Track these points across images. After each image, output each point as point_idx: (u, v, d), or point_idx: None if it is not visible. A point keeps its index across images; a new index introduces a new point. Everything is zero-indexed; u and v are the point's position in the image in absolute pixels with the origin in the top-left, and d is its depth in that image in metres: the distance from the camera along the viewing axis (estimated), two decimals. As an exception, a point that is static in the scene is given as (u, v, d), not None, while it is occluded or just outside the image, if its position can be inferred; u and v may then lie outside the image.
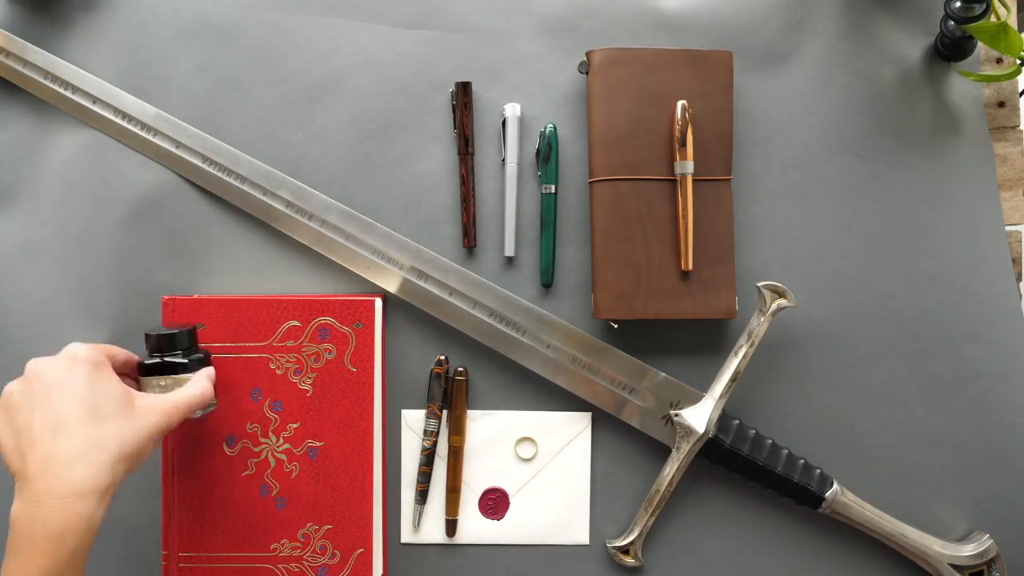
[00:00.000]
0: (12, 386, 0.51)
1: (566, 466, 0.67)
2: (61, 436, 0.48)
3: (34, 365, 0.52)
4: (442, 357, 0.67)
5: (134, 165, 0.68)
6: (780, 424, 0.67)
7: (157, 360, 0.57)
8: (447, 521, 0.67)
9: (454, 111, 0.67)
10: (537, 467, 0.67)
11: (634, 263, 0.64)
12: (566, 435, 0.67)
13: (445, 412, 0.67)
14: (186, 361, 0.57)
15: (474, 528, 0.67)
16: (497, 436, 0.67)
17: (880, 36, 0.69)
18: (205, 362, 0.59)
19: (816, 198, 0.68)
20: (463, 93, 0.67)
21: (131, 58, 0.68)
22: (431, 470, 0.67)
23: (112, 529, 0.66)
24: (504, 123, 0.67)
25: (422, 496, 0.67)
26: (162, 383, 0.57)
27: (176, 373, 0.57)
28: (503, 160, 0.68)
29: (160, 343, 0.57)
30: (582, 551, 0.67)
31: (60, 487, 0.46)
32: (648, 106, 0.64)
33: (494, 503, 0.67)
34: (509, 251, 0.67)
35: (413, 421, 0.67)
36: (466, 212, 0.67)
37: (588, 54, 0.65)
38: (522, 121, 0.68)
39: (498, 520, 0.67)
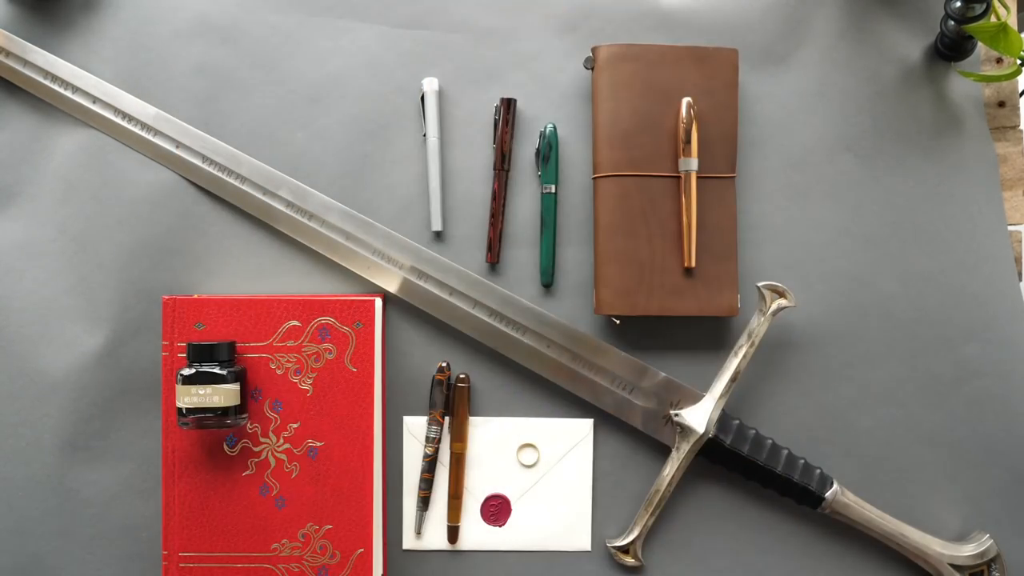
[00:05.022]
0: None
1: (568, 472, 0.67)
2: None
3: None
4: (444, 364, 0.67)
5: (134, 165, 0.68)
6: (780, 424, 0.67)
7: (195, 370, 0.60)
8: (449, 528, 0.67)
9: (495, 126, 0.67)
10: (539, 474, 0.67)
11: (637, 259, 0.64)
12: (568, 442, 0.67)
13: (447, 419, 0.67)
14: (224, 373, 0.60)
15: (476, 535, 0.67)
16: (499, 442, 0.67)
17: (880, 36, 0.69)
18: (241, 375, 0.61)
19: (816, 198, 0.68)
20: (506, 110, 0.67)
21: (131, 58, 0.68)
22: (433, 477, 0.67)
23: (112, 529, 0.66)
24: (423, 98, 0.67)
25: (424, 503, 0.67)
26: (200, 392, 0.59)
27: (215, 383, 0.59)
28: (424, 135, 0.68)
29: (200, 354, 0.60)
30: (584, 557, 0.67)
31: None
32: (653, 102, 0.64)
33: (496, 510, 0.67)
34: (436, 226, 0.67)
35: (415, 427, 0.67)
36: (493, 227, 0.67)
37: (594, 50, 0.65)
38: (522, 121, 0.68)
39: (500, 527, 0.67)
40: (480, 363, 0.67)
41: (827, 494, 0.63)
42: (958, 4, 0.63)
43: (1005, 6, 0.62)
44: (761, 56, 0.68)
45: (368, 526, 0.63)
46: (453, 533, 0.67)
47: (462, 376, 0.66)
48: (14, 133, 0.68)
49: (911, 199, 0.68)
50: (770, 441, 0.64)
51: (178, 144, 0.67)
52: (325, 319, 0.63)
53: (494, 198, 0.67)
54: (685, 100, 0.64)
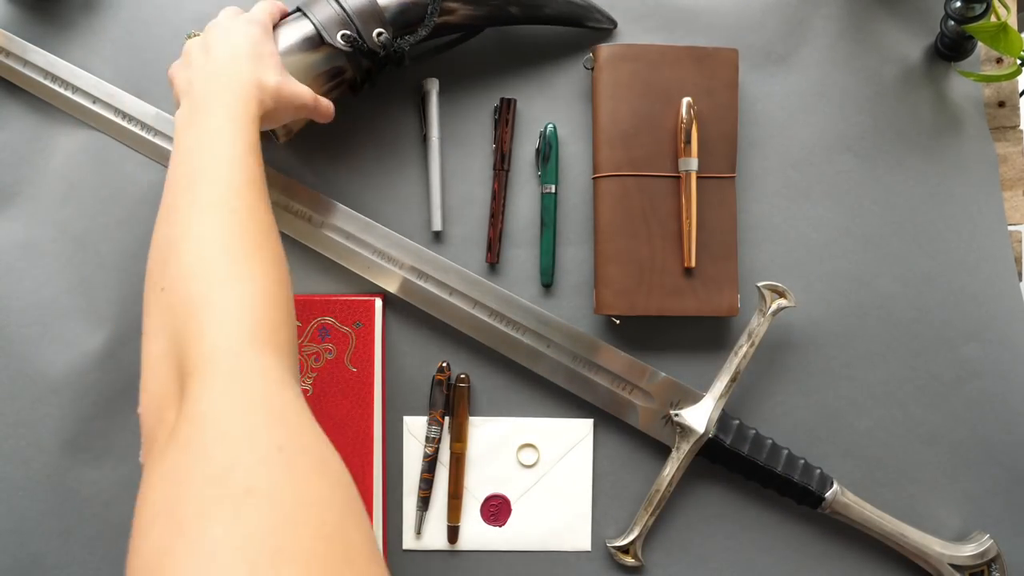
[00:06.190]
0: (192, 43, 0.56)
1: (568, 472, 0.67)
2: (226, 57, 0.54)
3: (213, 25, 0.57)
4: (444, 364, 0.67)
5: (134, 165, 0.68)
6: (780, 424, 0.67)
7: None
8: (449, 528, 0.67)
9: (495, 126, 0.67)
10: (539, 473, 0.67)
11: (637, 259, 0.64)
12: (568, 441, 0.67)
13: (447, 419, 0.67)
14: None
15: (476, 535, 0.67)
16: (499, 442, 0.67)
17: (880, 36, 0.69)
18: None
19: (816, 198, 0.68)
20: (506, 110, 0.67)
21: (131, 58, 0.68)
22: (433, 477, 0.67)
23: (112, 529, 0.66)
24: (423, 98, 0.67)
25: (424, 503, 0.67)
26: None
27: None
28: (424, 135, 0.68)
29: None
30: (584, 557, 0.67)
31: (225, 57, 0.53)
32: (653, 102, 0.64)
33: (496, 510, 0.67)
34: (436, 226, 0.67)
35: (415, 428, 0.67)
36: (493, 227, 0.67)
37: (594, 49, 0.65)
38: (522, 121, 0.68)
39: (500, 527, 0.67)
40: (480, 363, 0.67)
41: (827, 494, 0.63)
42: (958, 4, 0.63)
43: (1005, 6, 0.62)
44: (761, 56, 0.68)
45: (368, 526, 0.63)
46: (453, 533, 0.67)
47: (462, 376, 0.66)
48: (14, 133, 0.68)
49: (911, 199, 0.68)
50: (770, 441, 0.64)
51: (178, 144, 0.67)
52: (325, 319, 0.63)
53: (494, 198, 0.67)
54: (685, 100, 0.64)
